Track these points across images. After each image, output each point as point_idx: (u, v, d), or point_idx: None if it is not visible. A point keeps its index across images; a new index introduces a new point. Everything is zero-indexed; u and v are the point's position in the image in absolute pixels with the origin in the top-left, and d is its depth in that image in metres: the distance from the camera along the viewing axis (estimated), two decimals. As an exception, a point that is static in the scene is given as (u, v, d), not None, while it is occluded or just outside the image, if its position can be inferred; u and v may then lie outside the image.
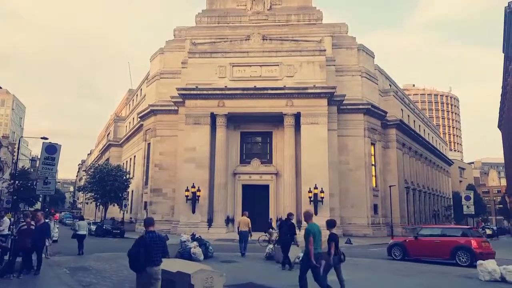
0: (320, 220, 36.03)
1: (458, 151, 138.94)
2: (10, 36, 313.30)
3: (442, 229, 19.99)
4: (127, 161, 58.88)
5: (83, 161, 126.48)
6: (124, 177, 44.93)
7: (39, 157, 21.08)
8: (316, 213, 33.84)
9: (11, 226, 17.38)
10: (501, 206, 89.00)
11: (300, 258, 15.90)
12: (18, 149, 39.66)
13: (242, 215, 19.47)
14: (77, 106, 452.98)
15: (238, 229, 19.34)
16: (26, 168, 66.00)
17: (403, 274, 13.68)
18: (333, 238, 9.51)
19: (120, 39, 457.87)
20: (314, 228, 8.86)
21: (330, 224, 9.92)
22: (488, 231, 43.58)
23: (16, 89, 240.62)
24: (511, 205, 71.81)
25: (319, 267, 8.66)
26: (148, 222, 7.43)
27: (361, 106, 41.18)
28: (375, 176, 43.09)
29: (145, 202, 43.08)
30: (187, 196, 35.25)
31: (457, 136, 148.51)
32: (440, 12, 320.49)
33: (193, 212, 35.22)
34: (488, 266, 12.45)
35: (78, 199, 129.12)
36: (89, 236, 36.50)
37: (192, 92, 37.31)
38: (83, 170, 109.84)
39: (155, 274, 7.09)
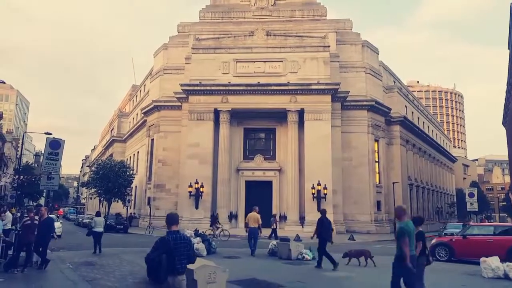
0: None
1: (462, 148, 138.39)
2: (14, 33, 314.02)
3: (495, 227, 18.69)
4: (130, 157, 59.01)
5: (87, 157, 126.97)
6: (128, 173, 45.02)
7: (43, 152, 21.13)
8: (319, 210, 33.86)
9: (17, 221, 17.47)
10: (505, 203, 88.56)
11: (304, 254, 15.98)
12: (22, 144, 39.68)
13: (252, 211, 18.15)
14: (81, 102, 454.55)
15: (246, 226, 18.34)
16: (30, 164, 66.47)
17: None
18: (421, 237, 8.42)
19: (124, 34, 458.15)
20: (409, 227, 7.63)
21: (418, 221, 8.70)
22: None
23: (20, 85, 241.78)
24: (515, 203, 71.42)
25: (414, 272, 7.48)
26: (172, 219, 6.03)
27: (365, 103, 41.04)
28: (379, 172, 43.02)
29: (149, 198, 43.21)
30: (190, 192, 35.30)
31: (461, 133, 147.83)
32: (445, 9, 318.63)
33: (196, 208, 35.29)
34: (492, 263, 12.39)
35: (81, 194, 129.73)
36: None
37: (195, 88, 37.29)
38: (86, 166, 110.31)
39: (178, 285, 5.81)
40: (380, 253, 19.85)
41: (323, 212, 14.75)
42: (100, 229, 16.94)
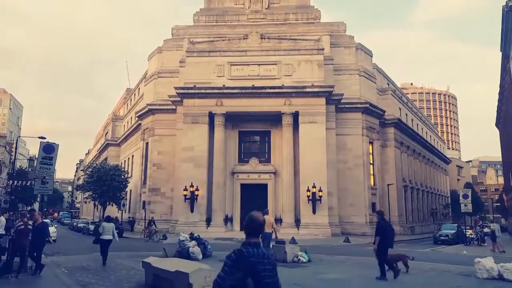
0: (318, 219, 36.18)
1: (456, 149, 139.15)
2: (9, 34, 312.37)
3: None
4: (125, 161, 58.77)
5: (81, 161, 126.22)
6: (122, 177, 44.82)
7: (36, 156, 21.01)
8: (314, 212, 33.96)
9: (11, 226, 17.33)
10: (499, 204, 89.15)
11: (300, 257, 15.98)
12: (16, 148, 39.51)
13: (263, 214, 17.15)
14: (75, 105, 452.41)
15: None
16: (24, 168, 65.83)
17: (402, 272, 13.69)
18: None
19: (118, 38, 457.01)
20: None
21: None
22: (487, 229, 43.67)
23: (13, 88, 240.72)
24: (508, 203, 71.97)
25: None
26: (256, 226, 4.10)
27: (359, 105, 41.22)
28: (373, 174, 43.17)
29: (144, 202, 43.03)
30: (185, 196, 35.22)
31: (455, 134, 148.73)
32: (438, 11, 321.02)
33: (192, 211, 35.21)
34: (486, 264, 12.47)
35: (76, 198, 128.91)
36: (87, 235, 36.84)
37: (190, 91, 37.27)
38: (81, 170, 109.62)
39: None
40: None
41: (381, 214, 13.04)
42: (109, 237, 14.90)
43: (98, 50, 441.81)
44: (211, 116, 37.27)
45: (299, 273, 13.32)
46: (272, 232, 15.96)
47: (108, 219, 15.93)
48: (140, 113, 46.08)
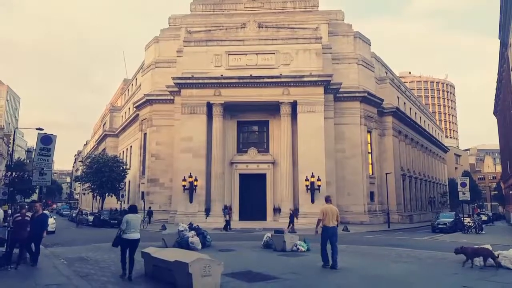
0: (317, 208, 36.27)
1: (454, 138, 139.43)
2: (4, 26, 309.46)
3: None
4: (123, 151, 58.70)
5: (79, 152, 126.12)
6: (121, 168, 44.80)
7: (34, 148, 20.94)
8: (313, 201, 34.09)
9: (8, 218, 17.33)
10: (496, 192, 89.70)
11: (299, 246, 16.05)
12: (14, 140, 39.41)
13: (326, 201, 12.20)
14: (72, 96, 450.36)
15: (319, 223, 11.93)
16: (22, 160, 65.78)
17: (397, 261, 13.78)
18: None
19: (115, 28, 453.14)
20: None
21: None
22: (484, 217, 44.00)
23: (10, 80, 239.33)
24: (506, 191, 72.38)
25: None
26: None
27: (357, 94, 41.13)
28: (372, 163, 43.27)
29: (142, 192, 43.10)
30: (184, 186, 35.26)
31: (453, 123, 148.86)
32: (437, 0, 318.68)
33: (191, 201, 35.27)
34: (484, 251, 12.52)
35: (75, 190, 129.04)
36: (86, 226, 36.94)
37: (187, 81, 37.09)
38: (79, 161, 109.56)
39: None
40: (376, 244, 20.04)
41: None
42: (136, 235, 10.38)
43: (95, 41, 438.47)
44: (209, 106, 37.15)
45: (297, 261, 13.39)
46: (337, 225, 11.98)
47: (133, 209, 10.97)
48: (138, 103, 45.91)
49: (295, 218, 30.11)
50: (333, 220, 11.70)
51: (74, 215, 49.68)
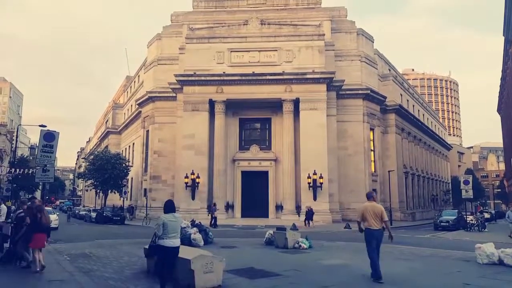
0: (319, 205, 36.31)
1: (457, 135, 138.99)
2: (6, 22, 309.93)
3: None
4: (126, 148, 58.83)
5: (82, 149, 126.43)
6: (124, 165, 44.91)
7: (37, 145, 20.98)
8: (315, 199, 34.07)
9: (11, 214, 17.38)
10: (499, 190, 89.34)
11: (301, 243, 16.05)
12: (17, 137, 39.51)
13: (368, 198, 9.90)
14: (75, 94, 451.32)
15: (360, 225, 9.77)
16: (25, 156, 66.01)
17: (399, 258, 13.76)
18: None
19: (118, 25, 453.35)
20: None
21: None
22: (487, 215, 43.85)
23: (14, 77, 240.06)
24: (509, 189, 72.14)
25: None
26: None
27: (360, 91, 40.99)
28: (374, 161, 43.17)
29: (145, 189, 43.19)
30: (186, 183, 35.31)
31: (456, 120, 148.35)
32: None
33: (193, 198, 35.33)
34: (486, 249, 12.49)
35: (78, 186, 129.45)
36: (89, 222, 37.12)
37: (190, 78, 37.08)
38: (82, 158, 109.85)
39: None
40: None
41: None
42: (176, 242, 7.84)
43: (98, 38, 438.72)
44: (212, 103, 37.14)
45: (299, 258, 13.38)
46: (384, 228, 9.43)
47: (171, 206, 8.06)
48: (140, 100, 45.94)
49: (298, 216, 30.22)
50: (377, 221, 9.29)
51: (77, 211, 49.93)
